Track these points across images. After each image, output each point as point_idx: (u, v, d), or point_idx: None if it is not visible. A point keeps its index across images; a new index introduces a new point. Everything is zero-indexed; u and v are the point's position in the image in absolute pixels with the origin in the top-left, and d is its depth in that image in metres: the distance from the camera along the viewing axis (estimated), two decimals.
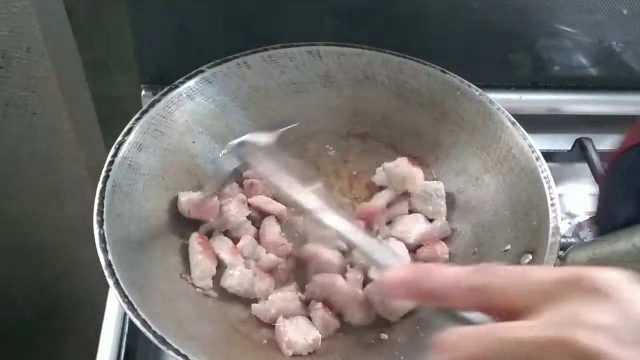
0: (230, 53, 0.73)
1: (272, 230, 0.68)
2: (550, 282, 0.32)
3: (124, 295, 0.53)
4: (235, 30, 0.75)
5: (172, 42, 0.78)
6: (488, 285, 0.33)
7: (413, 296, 0.39)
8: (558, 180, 0.68)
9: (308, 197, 0.58)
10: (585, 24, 0.84)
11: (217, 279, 0.63)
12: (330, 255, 0.65)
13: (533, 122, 0.72)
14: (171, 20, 0.76)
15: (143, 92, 0.80)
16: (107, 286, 0.54)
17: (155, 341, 0.50)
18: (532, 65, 0.89)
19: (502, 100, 0.72)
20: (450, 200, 0.72)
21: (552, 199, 0.62)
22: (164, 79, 0.70)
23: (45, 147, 0.94)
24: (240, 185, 0.72)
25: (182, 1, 0.75)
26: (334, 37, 0.75)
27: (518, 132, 0.68)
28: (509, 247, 0.63)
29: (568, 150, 0.89)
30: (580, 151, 0.87)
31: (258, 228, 0.69)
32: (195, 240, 0.64)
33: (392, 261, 0.50)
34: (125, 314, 0.64)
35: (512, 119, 0.70)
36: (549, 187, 0.63)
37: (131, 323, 0.58)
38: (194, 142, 0.70)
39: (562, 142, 0.90)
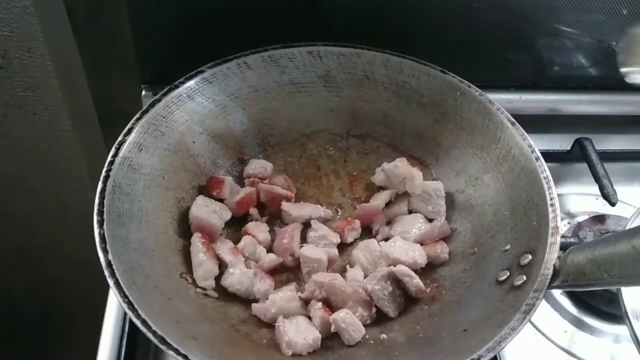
0: (231, 53, 0.73)
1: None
2: None
3: (124, 295, 0.53)
4: (236, 30, 0.75)
5: (172, 42, 0.78)
6: None
7: None
8: (557, 180, 0.68)
9: None
10: (585, 24, 0.84)
11: (217, 279, 0.64)
12: (319, 254, 0.66)
13: (533, 122, 0.72)
14: (171, 21, 0.76)
15: (143, 92, 0.80)
16: (107, 286, 0.54)
17: (155, 341, 0.51)
18: (531, 66, 0.89)
19: (502, 101, 0.73)
20: (450, 200, 0.72)
21: (551, 199, 0.62)
22: (164, 79, 0.71)
23: (46, 147, 0.95)
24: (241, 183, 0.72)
25: (182, 1, 0.75)
26: (334, 37, 0.75)
27: (518, 132, 0.69)
28: (508, 247, 0.63)
29: (567, 150, 0.89)
30: (579, 151, 0.87)
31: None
32: (198, 241, 0.64)
33: None
34: (125, 314, 0.64)
35: (512, 119, 0.70)
36: (549, 187, 0.63)
37: (131, 323, 0.58)
38: (194, 142, 0.70)
39: (562, 142, 0.90)
